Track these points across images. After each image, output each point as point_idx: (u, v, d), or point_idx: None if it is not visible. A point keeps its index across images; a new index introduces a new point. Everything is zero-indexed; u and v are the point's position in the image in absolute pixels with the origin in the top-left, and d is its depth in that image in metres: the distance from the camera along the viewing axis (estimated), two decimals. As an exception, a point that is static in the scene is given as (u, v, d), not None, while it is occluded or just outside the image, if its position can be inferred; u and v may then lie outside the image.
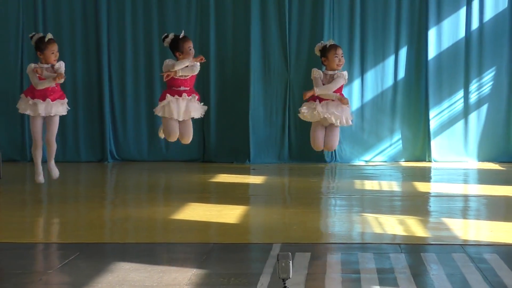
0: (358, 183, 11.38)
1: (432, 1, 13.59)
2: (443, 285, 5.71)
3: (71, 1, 13.83)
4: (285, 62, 13.59)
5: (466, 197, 10.38)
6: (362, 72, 13.75)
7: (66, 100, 9.74)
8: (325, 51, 9.30)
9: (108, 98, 13.79)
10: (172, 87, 9.35)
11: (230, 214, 8.70)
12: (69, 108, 9.84)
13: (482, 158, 13.73)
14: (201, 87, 13.82)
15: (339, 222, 8.41)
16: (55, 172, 9.82)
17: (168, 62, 9.30)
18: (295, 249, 6.83)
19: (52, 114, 9.58)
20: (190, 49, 9.30)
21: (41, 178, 9.86)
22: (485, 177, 12.18)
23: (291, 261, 4.67)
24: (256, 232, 8.11)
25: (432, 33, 13.64)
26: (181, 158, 13.83)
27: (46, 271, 6.16)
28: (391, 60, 13.75)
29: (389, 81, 13.71)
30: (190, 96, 9.37)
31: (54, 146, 9.72)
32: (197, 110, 9.43)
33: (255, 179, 11.75)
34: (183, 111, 9.34)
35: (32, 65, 9.58)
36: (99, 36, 13.77)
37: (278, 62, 13.60)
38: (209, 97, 13.74)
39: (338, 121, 9.18)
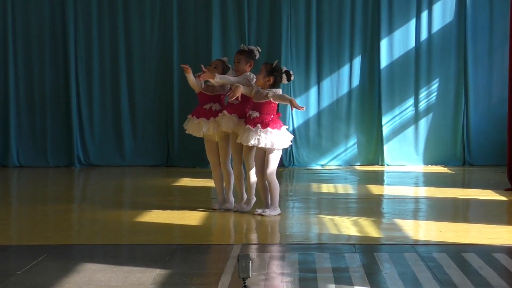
0: (315, 186, 11.56)
1: (384, 13, 13.83)
2: (395, 283, 5.88)
3: (39, 12, 13.91)
4: (244, 72, 13.80)
5: (416, 199, 10.55)
6: (319, 80, 13.95)
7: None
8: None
9: (76, 105, 13.86)
10: None
11: (192, 216, 8.81)
12: None
13: (430, 162, 13.97)
14: (165, 95, 14.07)
15: (297, 223, 8.57)
16: (229, 205, 9.03)
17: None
18: (255, 250, 7.07)
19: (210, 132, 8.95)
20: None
21: (216, 204, 9.13)
22: (434, 180, 12.32)
23: (251, 261, 4.88)
24: (217, 234, 8.24)
25: (384, 44, 13.91)
26: (146, 163, 13.95)
27: (15, 272, 6.19)
28: (346, 69, 13.97)
29: (344, 89, 13.92)
30: None
31: (226, 173, 8.99)
32: None
33: (217, 183, 11.96)
34: None
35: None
36: (67, 46, 13.88)
37: (237, 72, 13.80)
38: (173, 104, 13.90)
39: None
